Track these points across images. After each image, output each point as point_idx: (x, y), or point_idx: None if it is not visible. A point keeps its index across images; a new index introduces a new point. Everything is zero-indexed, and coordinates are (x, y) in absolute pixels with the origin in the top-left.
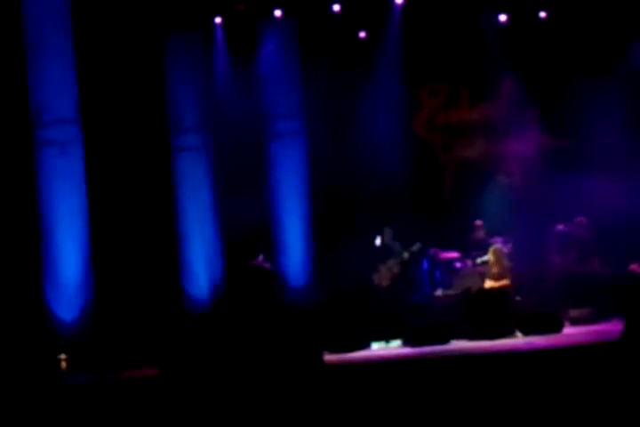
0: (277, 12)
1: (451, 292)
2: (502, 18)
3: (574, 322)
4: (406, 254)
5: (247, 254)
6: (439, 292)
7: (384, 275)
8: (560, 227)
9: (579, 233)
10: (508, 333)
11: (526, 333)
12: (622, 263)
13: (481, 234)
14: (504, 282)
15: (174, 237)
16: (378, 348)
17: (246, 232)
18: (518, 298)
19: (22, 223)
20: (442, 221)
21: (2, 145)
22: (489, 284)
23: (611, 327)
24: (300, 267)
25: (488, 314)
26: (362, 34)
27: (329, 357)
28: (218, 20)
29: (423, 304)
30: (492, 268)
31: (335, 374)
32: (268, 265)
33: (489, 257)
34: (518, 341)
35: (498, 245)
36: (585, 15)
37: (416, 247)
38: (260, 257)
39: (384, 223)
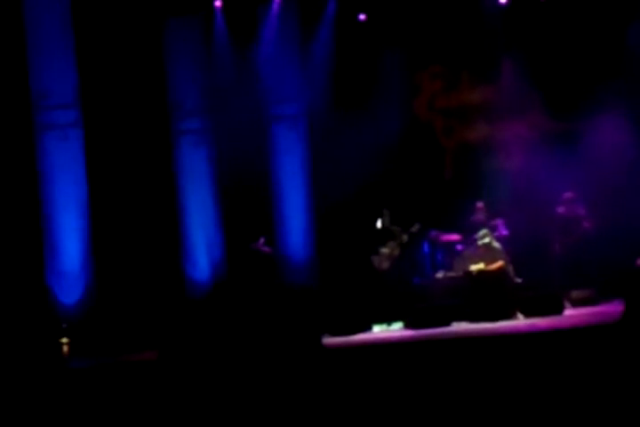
0: None
1: (452, 274)
2: None
3: (576, 303)
4: (405, 237)
5: (248, 237)
6: (440, 274)
7: (384, 257)
8: (560, 209)
9: (571, 210)
10: (510, 314)
11: (528, 314)
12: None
13: (482, 216)
14: (497, 264)
15: (175, 221)
16: (379, 330)
17: (247, 215)
18: (519, 280)
19: (23, 207)
20: (443, 204)
21: (3, 129)
22: (481, 266)
23: (612, 309)
24: (301, 248)
25: (489, 296)
26: (362, 16)
27: (330, 339)
28: (217, 3)
29: (424, 286)
30: (487, 251)
31: (336, 357)
32: (267, 249)
33: (489, 240)
34: (520, 322)
35: (486, 229)
36: None
37: (415, 228)
38: (261, 240)
39: (385, 205)
